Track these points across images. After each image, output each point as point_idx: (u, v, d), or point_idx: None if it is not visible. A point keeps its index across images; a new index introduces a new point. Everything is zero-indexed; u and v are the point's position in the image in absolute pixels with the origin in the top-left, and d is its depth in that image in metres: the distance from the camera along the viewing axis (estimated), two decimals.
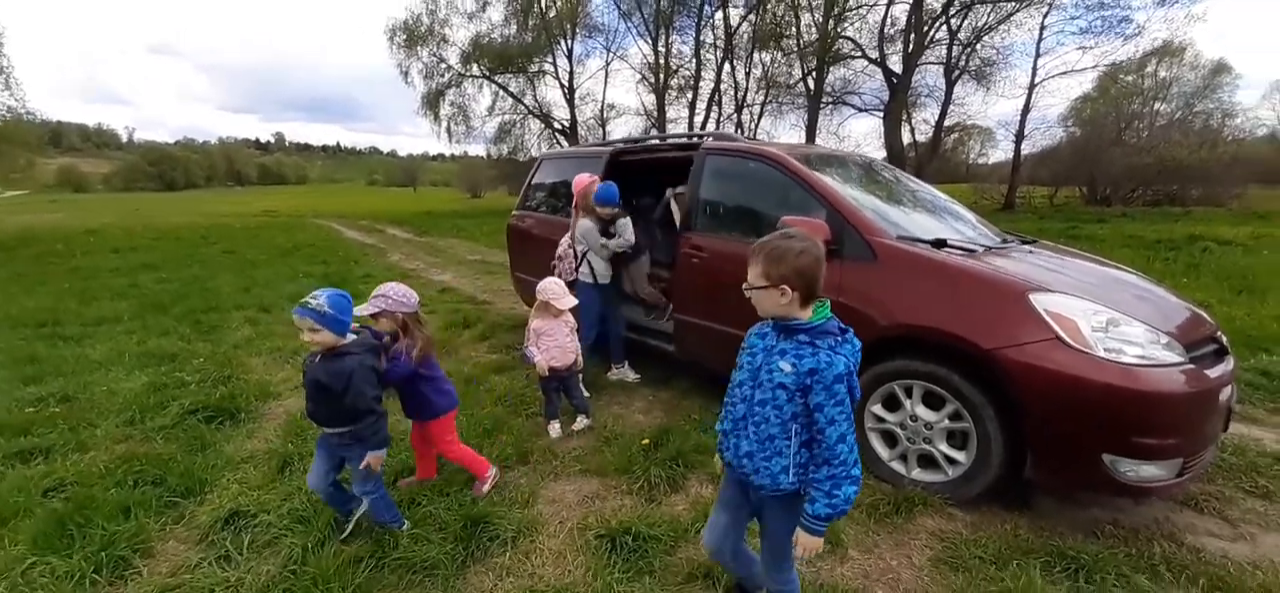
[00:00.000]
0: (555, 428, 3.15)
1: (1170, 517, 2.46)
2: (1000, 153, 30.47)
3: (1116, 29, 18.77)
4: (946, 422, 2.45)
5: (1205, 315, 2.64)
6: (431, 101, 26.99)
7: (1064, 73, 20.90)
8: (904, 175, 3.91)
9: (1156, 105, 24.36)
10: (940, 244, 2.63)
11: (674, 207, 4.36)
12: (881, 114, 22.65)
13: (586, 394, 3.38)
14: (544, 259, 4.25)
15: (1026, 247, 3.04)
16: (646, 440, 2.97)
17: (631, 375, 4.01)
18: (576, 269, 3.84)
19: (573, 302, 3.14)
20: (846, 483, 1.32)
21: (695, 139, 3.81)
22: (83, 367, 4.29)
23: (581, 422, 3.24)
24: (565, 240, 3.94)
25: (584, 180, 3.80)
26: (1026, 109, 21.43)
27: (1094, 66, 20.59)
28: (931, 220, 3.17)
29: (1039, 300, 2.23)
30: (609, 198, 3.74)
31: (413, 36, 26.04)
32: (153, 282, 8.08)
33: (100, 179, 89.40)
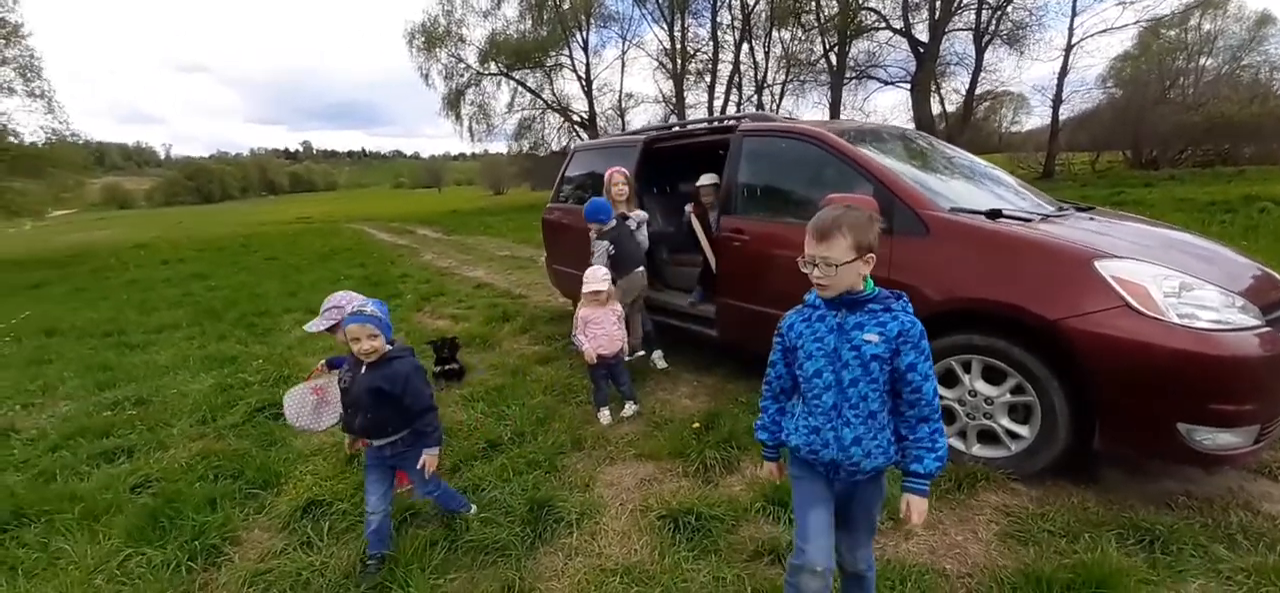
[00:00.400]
0: (605, 415, 3.21)
1: (1244, 486, 2.38)
2: (1036, 119, 29.33)
3: None
4: (1008, 396, 2.41)
5: (1277, 276, 2.53)
6: (453, 102, 27.33)
7: (1103, 30, 19.97)
8: (945, 145, 3.82)
9: (1202, 60, 23.16)
10: (996, 215, 2.57)
11: (695, 224, 3.96)
12: (908, 86, 22.05)
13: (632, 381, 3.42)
14: (578, 251, 4.30)
15: (1084, 214, 2.94)
16: (697, 424, 3.00)
17: (661, 364, 4.01)
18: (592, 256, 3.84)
19: (606, 286, 3.17)
20: (941, 434, 1.34)
21: (731, 122, 3.78)
22: (151, 372, 4.52)
23: (630, 408, 3.28)
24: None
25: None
26: (1063, 71, 20.52)
27: (1135, 22, 19.66)
28: (981, 191, 3.09)
29: (1105, 267, 2.17)
30: (594, 214, 3.71)
31: (431, 38, 26.36)
32: (204, 290, 8.44)
33: (143, 195, 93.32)
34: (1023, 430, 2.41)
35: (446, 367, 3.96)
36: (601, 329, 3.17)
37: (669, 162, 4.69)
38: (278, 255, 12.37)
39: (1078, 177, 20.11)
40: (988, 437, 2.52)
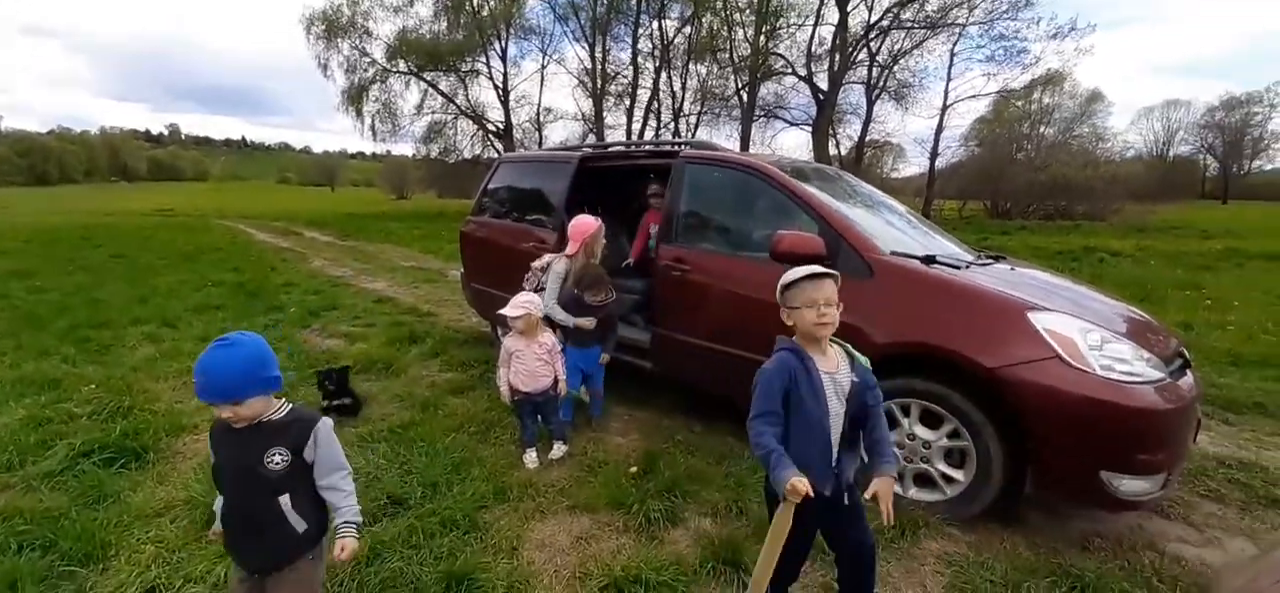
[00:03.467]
0: (531, 457, 2.88)
1: (1143, 525, 2.54)
2: (913, 167, 32.99)
3: (1016, 59, 20.79)
4: (944, 440, 2.43)
5: (1153, 320, 2.78)
6: (354, 97, 25.47)
7: (972, 96, 23.00)
8: (873, 189, 3.95)
9: (1043, 129, 27.21)
10: (930, 261, 2.62)
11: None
12: (810, 128, 23.77)
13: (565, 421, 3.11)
14: (501, 269, 3.95)
15: (1003, 264, 3.09)
16: (634, 468, 2.77)
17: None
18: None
19: (518, 312, 2.84)
20: None
21: (674, 146, 3.65)
22: None
23: (558, 449, 2.98)
24: (540, 261, 3.45)
25: (591, 226, 3.30)
26: (940, 129, 23.28)
27: (996, 92, 22.75)
28: (909, 236, 3.17)
29: (1038, 319, 2.24)
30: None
31: (332, 27, 24.49)
32: (25, 291, 6.94)
33: None
34: (958, 475, 2.44)
35: (334, 402, 3.40)
36: (523, 364, 2.86)
37: (604, 182, 4.47)
38: (127, 252, 10.59)
39: (948, 222, 22.55)
40: (924, 480, 2.53)
